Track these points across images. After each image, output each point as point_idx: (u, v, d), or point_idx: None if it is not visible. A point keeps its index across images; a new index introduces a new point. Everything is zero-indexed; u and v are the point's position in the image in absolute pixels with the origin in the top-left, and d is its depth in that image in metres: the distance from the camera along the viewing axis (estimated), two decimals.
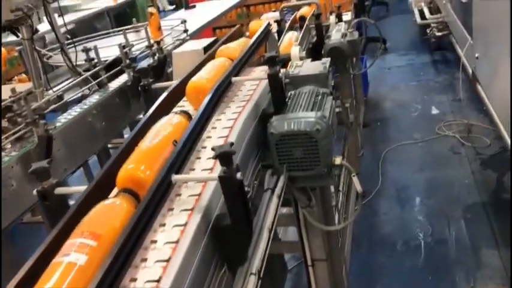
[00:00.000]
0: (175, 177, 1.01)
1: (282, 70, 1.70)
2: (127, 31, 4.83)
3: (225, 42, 2.04)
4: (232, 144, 0.95)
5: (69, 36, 10.52)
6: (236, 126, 1.28)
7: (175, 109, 1.45)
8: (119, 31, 4.81)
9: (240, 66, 1.57)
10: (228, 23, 8.04)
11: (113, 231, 0.90)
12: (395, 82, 5.58)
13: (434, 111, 4.72)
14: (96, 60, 3.36)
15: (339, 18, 3.53)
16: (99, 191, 1.06)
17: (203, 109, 1.26)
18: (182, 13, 6.71)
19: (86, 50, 3.49)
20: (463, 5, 3.46)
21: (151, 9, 4.13)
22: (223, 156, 0.93)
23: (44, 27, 7.19)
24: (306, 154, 1.32)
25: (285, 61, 2.02)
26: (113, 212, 0.96)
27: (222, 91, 1.38)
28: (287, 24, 3.05)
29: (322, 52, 2.83)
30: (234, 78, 1.46)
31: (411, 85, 5.46)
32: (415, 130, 4.41)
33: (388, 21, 8.22)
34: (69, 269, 0.81)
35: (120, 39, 4.36)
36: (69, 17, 9.51)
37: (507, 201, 3.18)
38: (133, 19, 5.02)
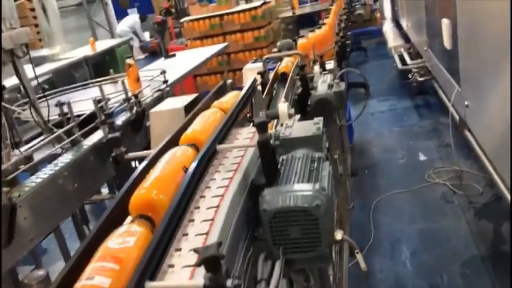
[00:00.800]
0: (148, 284, 0.82)
1: (271, 131, 1.54)
2: (104, 82, 4.73)
3: (208, 101, 1.89)
4: (219, 244, 0.76)
5: (46, 86, 10.31)
6: (223, 205, 1.10)
7: None
8: (95, 82, 4.67)
9: (224, 133, 1.41)
10: (208, 70, 8.01)
11: (133, 254, 0.92)
12: (379, 128, 5.51)
13: (422, 157, 4.62)
14: (68, 115, 3.18)
15: (323, 67, 3.45)
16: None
17: (185, 186, 1.08)
18: (161, 62, 6.63)
19: (60, 104, 3.31)
20: (448, 52, 3.42)
21: (129, 61, 3.99)
22: (210, 261, 0.74)
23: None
24: (304, 233, 1.14)
25: (275, 118, 1.87)
26: (131, 237, 0.98)
27: (206, 161, 1.21)
28: (270, 76, 2.94)
29: (309, 103, 2.71)
30: (219, 146, 1.30)
31: (395, 130, 5.39)
32: (404, 178, 4.28)
33: (367, 67, 8.28)
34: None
35: (97, 90, 4.20)
36: (47, 67, 9.40)
37: (507, 254, 3.02)
38: (111, 70, 4.91)
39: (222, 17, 7.85)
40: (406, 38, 6.52)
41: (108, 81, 4.68)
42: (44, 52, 10.26)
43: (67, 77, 9.91)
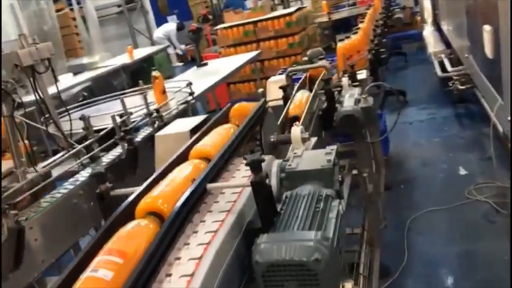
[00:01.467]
0: None
1: (278, 162, 1.40)
2: (132, 94, 4.70)
3: (215, 122, 1.77)
4: None
5: (85, 94, 10.47)
6: (207, 255, 0.97)
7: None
8: (124, 94, 4.64)
9: (218, 168, 1.28)
10: (241, 78, 7.92)
11: (139, 249, 0.97)
12: (418, 138, 5.22)
13: (462, 171, 4.32)
14: (94, 128, 3.14)
15: (353, 78, 3.27)
16: None
17: (165, 230, 0.96)
18: (194, 71, 6.59)
19: (84, 118, 3.28)
20: (490, 61, 3.15)
21: (155, 73, 3.93)
22: None
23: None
24: None
25: (286, 143, 1.72)
26: (139, 231, 1.05)
27: (193, 202, 1.08)
28: (295, 87, 2.79)
29: (334, 119, 2.54)
30: (209, 185, 1.16)
31: (434, 141, 5.10)
32: (442, 194, 4.01)
33: (407, 72, 7.97)
34: (96, 284, 0.89)
35: (130, 100, 4.15)
36: (86, 75, 9.60)
37: None
38: (140, 81, 4.87)
39: (256, 24, 7.75)
40: (447, 43, 6.19)
41: (137, 93, 4.65)
42: (84, 60, 10.50)
43: (105, 85, 10.11)
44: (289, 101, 2.60)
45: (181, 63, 14.22)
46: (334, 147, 1.40)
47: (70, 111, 4.35)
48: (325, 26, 8.81)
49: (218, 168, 1.30)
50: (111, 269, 0.91)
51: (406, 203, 4.01)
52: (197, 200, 1.11)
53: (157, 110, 3.17)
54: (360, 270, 2.86)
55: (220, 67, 6.47)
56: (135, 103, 3.72)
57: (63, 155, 2.86)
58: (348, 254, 3.14)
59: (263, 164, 1.33)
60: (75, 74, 9.57)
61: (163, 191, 1.17)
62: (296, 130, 1.66)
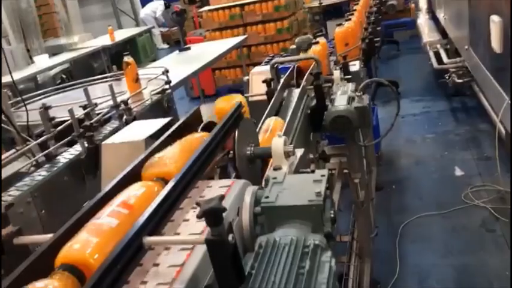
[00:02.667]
0: None
1: (252, 189, 1.07)
2: (103, 81, 4.30)
3: (183, 125, 1.43)
4: None
5: (64, 76, 9.99)
6: None
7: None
8: (96, 80, 4.26)
9: (172, 201, 0.94)
10: (227, 64, 7.54)
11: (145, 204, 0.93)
12: (411, 134, 4.93)
13: (458, 172, 4.05)
14: (57, 120, 2.77)
15: (346, 70, 2.94)
16: None
17: None
18: (176, 55, 6.20)
19: (44, 109, 2.91)
20: (496, 56, 2.85)
21: (127, 58, 3.56)
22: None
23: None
24: None
25: (266, 157, 1.39)
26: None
27: (122, 265, 0.75)
28: (281, 82, 2.45)
29: (324, 120, 2.22)
30: (148, 239, 0.83)
31: (429, 138, 4.81)
32: (436, 197, 3.74)
33: (399, 62, 7.67)
34: (101, 229, 0.86)
35: (103, 88, 3.78)
36: (64, 56, 9.13)
37: None
38: (114, 66, 4.48)
39: (243, 7, 7.34)
40: (443, 33, 5.87)
41: (112, 79, 4.27)
42: (62, 41, 9.99)
43: (85, 67, 9.65)
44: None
45: (166, 46, 13.76)
46: (325, 172, 1.07)
47: (36, 98, 4.00)
48: (316, 11, 8.43)
49: (172, 200, 0.97)
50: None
51: (398, 205, 3.73)
52: (128, 261, 0.78)
53: (125, 102, 2.81)
54: (348, 286, 2.57)
55: (204, 52, 6.09)
56: (107, 91, 3.32)
57: (14, 153, 2.49)
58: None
59: (230, 197, 1.01)
60: (53, 55, 9.10)
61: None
62: (278, 142, 1.33)
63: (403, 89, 6.11)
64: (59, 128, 2.57)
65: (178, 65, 5.38)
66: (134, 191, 1.07)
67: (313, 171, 1.15)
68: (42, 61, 8.06)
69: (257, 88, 2.60)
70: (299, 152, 1.43)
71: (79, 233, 0.88)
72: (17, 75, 6.57)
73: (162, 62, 5.90)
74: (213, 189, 1.05)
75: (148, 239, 0.82)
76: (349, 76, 2.84)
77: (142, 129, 1.51)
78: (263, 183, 1.12)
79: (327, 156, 2.39)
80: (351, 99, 2.25)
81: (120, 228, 0.87)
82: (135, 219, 0.87)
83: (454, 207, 3.52)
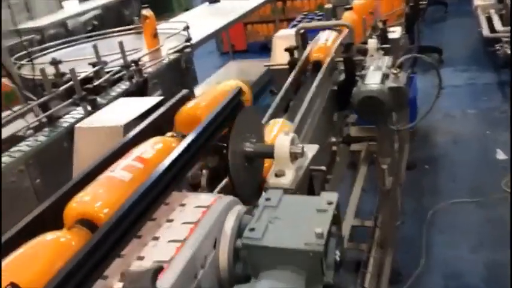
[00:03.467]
0: None
1: (238, 212, 0.83)
2: (126, 33, 4.05)
3: (173, 107, 1.18)
4: None
5: (95, 23, 9.73)
6: None
7: None
8: (114, 32, 4.00)
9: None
10: (260, 18, 7.15)
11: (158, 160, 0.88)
12: (451, 108, 4.53)
13: (501, 155, 3.68)
14: (68, 75, 2.56)
15: (384, 37, 2.60)
16: None
17: None
18: (205, 7, 5.87)
19: (54, 63, 2.71)
20: None
21: (145, 12, 3.29)
22: None
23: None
24: None
25: (266, 157, 1.14)
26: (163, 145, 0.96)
27: None
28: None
29: (351, 99, 1.93)
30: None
31: (470, 114, 4.42)
32: (473, 182, 3.42)
33: (446, 25, 7.08)
34: (113, 182, 0.83)
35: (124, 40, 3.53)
36: (95, 2, 8.88)
37: None
38: (135, 18, 4.21)
39: None
40: None
41: (132, 32, 4.01)
42: None
43: (116, 15, 9.39)
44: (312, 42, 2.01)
45: None
46: (335, 197, 0.82)
47: (51, 49, 3.78)
48: None
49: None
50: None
51: (429, 189, 3.44)
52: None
53: (135, 62, 2.57)
54: (365, 280, 2.36)
55: (235, 5, 5.73)
56: (126, 46, 3.04)
57: (13, 113, 2.31)
58: (353, 251, 2.64)
59: (206, 223, 0.79)
60: (83, 0, 8.87)
61: None
62: (283, 140, 1.08)
63: (446, 56, 5.64)
64: (62, 87, 2.36)
65: (206, 20, 5.08)
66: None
67: (322, 187, 0.90)
68: (71, 6, 7.86)
69: (279, 56, 2.31)
70: (311, 151, 1.17)
71: (91, 184, 0.85)
72: (45, 20, 6.42)
73: (193, 14, 5.63)
74: (186, 209, 0.81)
75: None
76: (388, 46, 2.50)
77: (126, 110, 1.27)
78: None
79: (352, 139, 2.12)
80: (385, 77, 1.94)
81: (134, 183, 0.84)
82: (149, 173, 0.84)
83: (491, 195, 3.21)
